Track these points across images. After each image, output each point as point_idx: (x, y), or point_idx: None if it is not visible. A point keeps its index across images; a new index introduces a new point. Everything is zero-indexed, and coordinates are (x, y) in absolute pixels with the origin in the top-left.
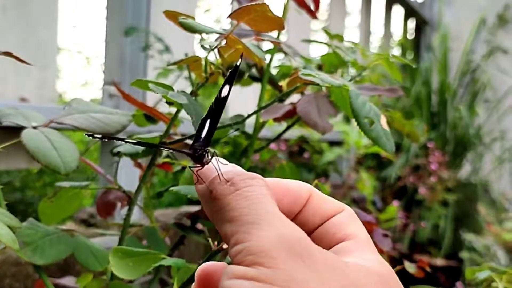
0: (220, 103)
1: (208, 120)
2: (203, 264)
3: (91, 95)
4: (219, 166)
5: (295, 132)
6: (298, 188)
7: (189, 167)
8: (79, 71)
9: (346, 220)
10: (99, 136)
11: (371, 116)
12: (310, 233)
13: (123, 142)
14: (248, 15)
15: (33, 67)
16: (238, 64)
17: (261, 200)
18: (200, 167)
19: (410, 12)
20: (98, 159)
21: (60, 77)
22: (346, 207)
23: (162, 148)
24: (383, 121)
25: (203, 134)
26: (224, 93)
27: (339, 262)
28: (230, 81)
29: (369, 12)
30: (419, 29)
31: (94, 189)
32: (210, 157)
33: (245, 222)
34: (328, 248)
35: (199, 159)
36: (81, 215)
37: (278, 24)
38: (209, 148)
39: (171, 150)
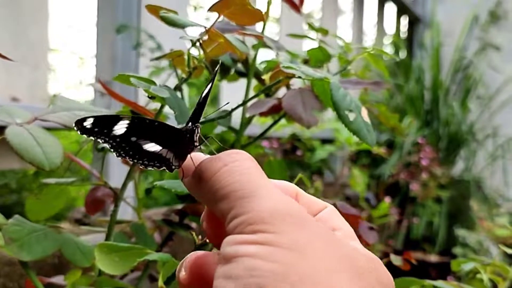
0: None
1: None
2: (194, 252)
3: (85, 96)
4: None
5: (288, 130)
6: (285, 188)
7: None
8: (73, 71)
9: (330, 215)
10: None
11: (352, 108)
12: None
13: None
14: (228, 8)
15: (24, 67)
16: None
17: (250, 172)
18: (193, 147)
19: (402, 9)
20: (91, 159)
21: (53, 78)
22: (329, 204)
23: None
24: (364, 113)
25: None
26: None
27: (334, 235)
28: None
29: (361, 10)
30: (411, 26)
31: (80, 185)
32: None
33: (239, 196)
34: None
35: (192, 134)
36: (75, 214)
37: (258, 17)
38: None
39: None
